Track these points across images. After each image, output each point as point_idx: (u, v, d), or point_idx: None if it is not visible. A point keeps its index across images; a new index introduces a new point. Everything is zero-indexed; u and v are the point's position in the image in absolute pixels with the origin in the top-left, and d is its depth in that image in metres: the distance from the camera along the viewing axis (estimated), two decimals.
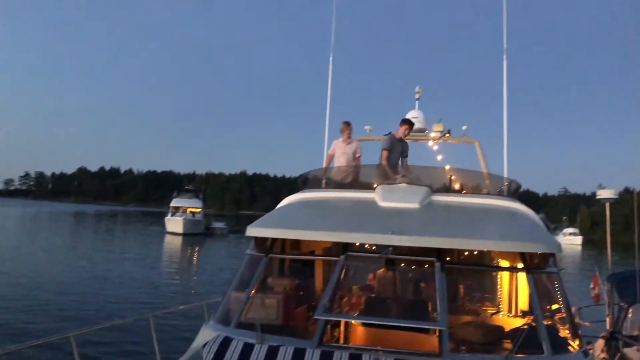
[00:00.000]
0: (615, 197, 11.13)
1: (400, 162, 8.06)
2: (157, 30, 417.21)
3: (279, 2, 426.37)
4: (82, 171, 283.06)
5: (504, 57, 9.81)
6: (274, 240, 5.51)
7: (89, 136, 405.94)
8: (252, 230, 5.20)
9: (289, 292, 5.86)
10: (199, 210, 70.62)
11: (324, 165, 8.67)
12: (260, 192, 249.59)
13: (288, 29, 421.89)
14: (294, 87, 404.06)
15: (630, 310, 9.21)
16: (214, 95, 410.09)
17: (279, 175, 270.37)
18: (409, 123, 8.18)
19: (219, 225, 74.56)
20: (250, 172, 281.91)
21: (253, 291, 5.14)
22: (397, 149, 8.05)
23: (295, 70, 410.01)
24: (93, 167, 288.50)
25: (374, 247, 5.15)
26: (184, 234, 61.12)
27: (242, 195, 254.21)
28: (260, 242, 5.50)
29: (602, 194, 11.33)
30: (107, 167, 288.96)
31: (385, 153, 7.94)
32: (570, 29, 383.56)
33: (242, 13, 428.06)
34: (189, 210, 68.52)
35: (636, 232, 9.45)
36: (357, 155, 8.59)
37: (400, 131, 8.10)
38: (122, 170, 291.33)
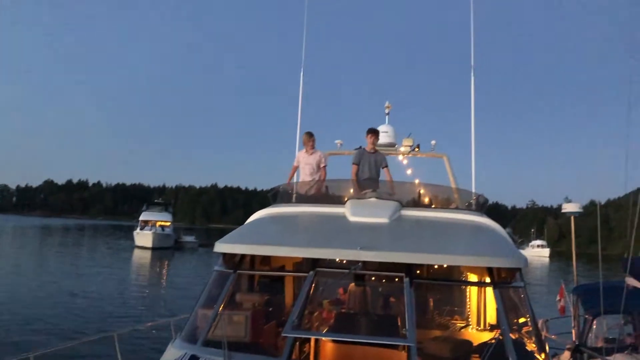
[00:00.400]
0: (580, 210, 11.37)
1: (371, 174, 8.06)
2: (128, 42, 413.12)
3: (252, 18, 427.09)
4: (49, 184, 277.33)
5: (472, 73, 9.99)
6: (243, 256, 5.44)
7: (56, 148, 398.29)
8: (220, 246, 5.13)
9: (258, 308, 5.79)
10: (168, 223, 69.86)
11: (289, 176, 8.70)
12: (232, 205, 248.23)
13: (260, 41, 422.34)
14: (266, 99, 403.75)
15: (594, 322, 9.38)
16: (185, 108, 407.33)
17: (251, 188, 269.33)
18: (371, 131, 8.18)
19: (189, 239, 73.85)
20: (221, 184, 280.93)
21: (221, 308, 5.05)
22: (367, 161, 8.07)
23: (266, 83, 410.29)
24: (60, 180, 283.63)
25: (344, 262, 5.15)
26: (153, 248, 60.27)
27: (213, 209, 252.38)
28: (228, 258, 5.42)
29: (567, 207, 11.56)
30: (75, 180, 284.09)
31: (354, 168, 7.97)
32: (536, 44, 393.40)
33: (214, 29, 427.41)
34: (158, 223, 67.70)
35: (599, 244, 9.66)
36: (322, 166, 8.57)
37: (368, 143, 8.15)
38: (90, 182, 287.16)
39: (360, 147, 10.48)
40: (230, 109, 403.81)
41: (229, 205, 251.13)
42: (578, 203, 11.36)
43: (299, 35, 10.86)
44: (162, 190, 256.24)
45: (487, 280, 5.04)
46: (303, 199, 7.54)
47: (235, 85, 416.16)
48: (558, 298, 11.75)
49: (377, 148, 8.35)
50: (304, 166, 8.55)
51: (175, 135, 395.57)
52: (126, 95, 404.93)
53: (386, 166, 8.08)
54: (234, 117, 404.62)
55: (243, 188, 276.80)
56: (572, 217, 11.76)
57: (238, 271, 5.33)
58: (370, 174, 8.04)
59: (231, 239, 5.31)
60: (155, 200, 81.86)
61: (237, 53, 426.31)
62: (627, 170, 8.14)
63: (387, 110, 11.28)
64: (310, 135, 8.61)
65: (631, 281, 8.03)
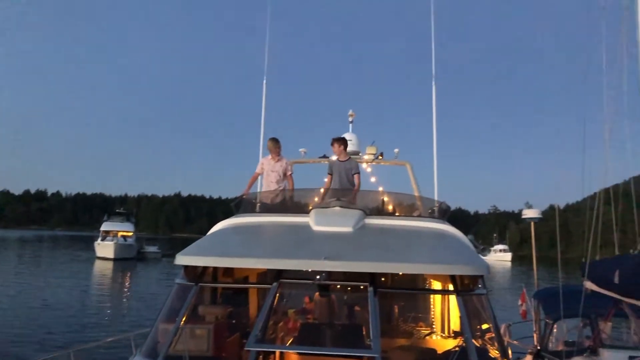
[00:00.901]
0: (540, 216, 11.64)
1: (342, 184, 8.06)
2: (90, 49, 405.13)
3: (214, 25, 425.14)
4: (5, 195, 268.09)
5: (433, 82, 10.13)
6: (205, 268, 5.34)
7: (12, 158, 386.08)
8: (182, 259, 5.02)
9: (221, 321, 5.69)
10: (130, 234, 68.69)
11: (249, 183, 8.47)
12: (196, 213, 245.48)
13: (223, 49, 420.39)
14: (229, 107, 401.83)
15: (555, 325, 9.57)
16: (148, 115, 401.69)
17: (215, 196, 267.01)
18: (335, 141, 8.17)
19: (151, 249, 72.58)
20: (184, 193, 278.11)
21: (182, 322, 4.94)
22: (338, 170, 8.09)
23: (230, 91, 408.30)
24: (17, 190, 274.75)
25: (308, 272, 5.11)
26: (115, 259, 59.15)
27: (177, 218, 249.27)
28: (190, 270, 5.29)
29: (528, 213, 11.83)
30: (33, 190, 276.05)
31: (328, 178, 8.03)
32: (496, 51, 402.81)
33: (177, 35, 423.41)
34: (120, 234, 66.49)
35: (558, 249, 9.87)
36: (288, 174, 8.46)
37: (335, 152, 8.14)
38: (49, 192, 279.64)
39: (324, 156, 10.51)
40: (194, 117, 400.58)
41: (192, 214, 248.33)
42: (537, 209, 11.63)
43: (263, 44, 10.82)
44: (124, 200, 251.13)
45: (450, 287, 5.07)
46: (267, 209, 7.47)
47: (198, 94, 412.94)
48: (520, 303, 11.96)
49: (348, 156, 8.34)
50: (270, 173, 8.36)
51: (137, 144, 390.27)
52: (86, 102, 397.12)
53: (356, 173, 8.04)
54: (196, 125, 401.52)
55: (207, 197, 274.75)
56: (532, 223, 12.02)
57: (200, 284, 5.22)
58: (341, 183, 8.03)
59: (192, 251, 5.20)
60: (117, 210, 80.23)
61: (199, 62, 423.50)
62: (583, 176, 8.37)
63: (350, 119, 11.34)
64: (276, 141, 8.41)
65: (589, 285, 8.21)
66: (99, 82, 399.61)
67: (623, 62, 7.57)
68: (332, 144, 8.12)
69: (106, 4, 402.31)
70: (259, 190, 8.39)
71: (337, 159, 8.20)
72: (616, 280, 7.27)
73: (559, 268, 8.17)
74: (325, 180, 8.21)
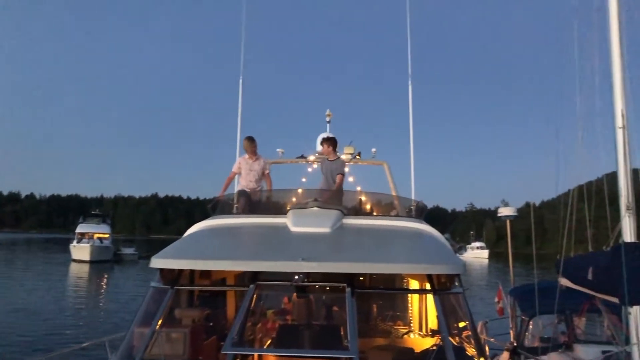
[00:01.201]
0: (515, 214, 11.80)
1: (329, 184, 8.07)
2: (62, 46, 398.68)
3: (189, 25, 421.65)
4: None
5: (409, 82, 10.18)
6: (181, 271, 5.29)
7: None
8: (157, 262, 4.96)
9: (198, 324, 5.64)
10: (107, 235, 67.84)
11: (225, 183, 8.39)
12: (173, 214, 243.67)
13: (200, 50, 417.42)
14: (207, 107, 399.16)
15: (530, 322, 9.71)
16: (123, 115, 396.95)
17: (193, 197, 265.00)
18: (325, 140, 8.21)
19: (128, 250, 71.75)
20: (162, 194, 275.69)
21: (158, 325, 4.88)
22: (325, 171, 8.13)
23: (206, 91, 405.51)
24: None
25: (287, 272, 5.09)
26: (91, 262, 58.34)
27: (154, 219, 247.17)
28: (165, 273, 5.23)
29: (503, 211, 11.99)
30: (6, 192, 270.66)
31: (323, 178, 8.05)
32: (473, 51, 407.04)
33: (153, 35, 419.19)
34: (96, 236, 65.58)
35: (534, 247, 9.99)
36: (266, 172, 8.40)
37: (323, 152, 8.19)
38: (23, 194, 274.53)
39: (302, 156, 10.49)
40: (170, 117, 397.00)
41: (170, 215, 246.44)
42: (513, 207, 11.78)
43: (239, 44, 10.75)
44: (99, 201, 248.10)
45: (427, 287, 5.10)
46: (244, 210, 7.43)
47: (175, 93, 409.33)
48: (496, 300, 12.12)
49: (337, 155, 8.38)
50: (248, 172, 8.27)
51: (113, 144, 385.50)
52: (60, 102, 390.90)
53: (340, 173, 8.04)
54: (173, 125, 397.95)
55: (185, 197, 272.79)
56: (508, 221, 12.18)
57: (176, 287, 5.17)
58: (328, 183, 8.04)
59: (168, 254, 5.14)
60: (93, 212, 79.11)
61: (176, 61, 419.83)
62: (557, 174, 8.49)
63: (328, 119, 11.33)
64: (251, 140, 8.33)
65: (564, 281, 8.32)
66: (73, 82, 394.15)
67: (595, 62, 7.69)
68: (321, 144, 8.17)
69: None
70: (235, 190, 8.30)
71: (327, 158, 8.22)
72: (589, 276, 7.38)
73: (535, 266, 8.28)
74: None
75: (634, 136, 7.14)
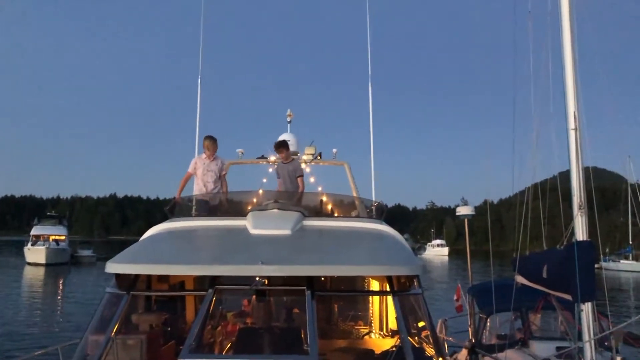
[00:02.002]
0: (472, 213, 12.00)
1: (286, 186, 8.09)
2: (23, 45, 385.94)
3: (149, 22, 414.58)
4: None
5: (369, 83, 10.25)
6: (137, 275, 5.16)
7: None
8: (112, 267, 4.81)
9: (156, 330, 5.54)
10: (63, 237, 66.18)
11: (180, 184, 8.20)
12: (132, 215, 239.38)
13: (161, 48, 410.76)
14: (165, 106, 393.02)
15: (488, 319, 9.90)
16: (80, 113, 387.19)
17: (152, 197, 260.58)
18: (276, 146, 8.19)
19: (86, 253, 69.98)
20: (120, 194, 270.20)
21: (113, 332, 4.75)
22: (282, 173, 8.11)
23: (166, 88, 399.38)
24: None
25: (246, 275, 5.04)
26: (47, 265, 56.79)
27: (113, 220, 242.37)
28: (121, 278, 5.10)
29: (461, 210, 12.19)
30: None
31: (279, 182, 8.12)
32: (431, 50, 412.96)
33: (117, 33, 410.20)
34: (52, 238, 63.76)
35: (490, 245, 10.19)
36: (222, 173, 8.24)
37: (279, 157, 8.25)
38: None
39: (262, 156, 10.43)
40: (128, 115, 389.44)
41: (129, 216, 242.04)
42: (471, 206, 11.98)
43: (198, 42, 10.59)
44: (56, 202, 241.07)
45: (387, 288, 5.13)
46: (202, 212, 7.32)
47: (133, 92, 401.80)
48: (455, 298, 12.30)
49: (292, 157, 8.37)
50: (206, 173, 8.05)
51: (70, 143, 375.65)
52: (13, 100, 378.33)
53: (300, 175, 8.03)
54: (132, 124, 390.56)
55: (144, 197, 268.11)
56: (466, 220, 12.38)
57: (132, 292, 5.04)
58: (286, 185, 8.00)
59: (123, 259, 5.00)
60: (48, 213, 77.01)
61: (133, 59, 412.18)
62: (513, 173, 8.68)
63: (289, 119, 11.29)
64: (213, 139, 8.11)
65: (520, 279, 8.51)
66: (27, 80, 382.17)
67: (548, 64, 7.89)
68: (275, 150, 8.20)
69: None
70: (193, 192, 8.16)
71: (282, 161, 8.20)
72: (544, 274, 7.56)
73: (491, 265, 8.47)
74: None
75: (586, 136, 7.37)
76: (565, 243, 7.47)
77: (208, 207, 7.58)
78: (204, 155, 8.16)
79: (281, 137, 10.66)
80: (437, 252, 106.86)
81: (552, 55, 7.88)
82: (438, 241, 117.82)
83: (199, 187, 8.02)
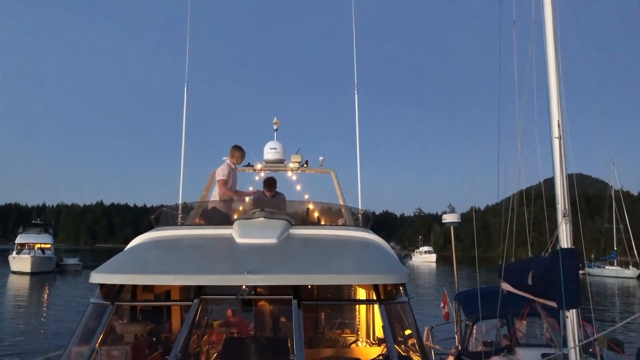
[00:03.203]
0: (458, 220, 12.08)
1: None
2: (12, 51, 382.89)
3: (136, 28, 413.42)
4: None
5: (355, 91, 10.28)
6: (122, 285, 5.12)
7: None
8: (96, 277, 4.78)
9: (141, 340, 5.51)
10: (49, 245, 65.51)
11: (220, 190, 8.12)
12: (119, 223, 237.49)
13: (148, 54, 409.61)
14: (152, 113, 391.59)
15: (474, 327, 9.93)
16: (65, 120, 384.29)
17: (140, 204, 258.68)
18: (265, 183, 8.39)
19: (72, 261, 69.27)
20: (107, 202, 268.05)
21: (97, 343, 4.70)
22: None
23: (153, 96, 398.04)
24: None
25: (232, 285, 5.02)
26: (32, 273, 56.17)
27: (99, 227, 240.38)
28: (106, 288, 5.06)
29: (447, 218, 12.26)
30: None
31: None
32: (417, 56, 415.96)
33: (99, 37, 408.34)
34: (37, 246, 63.14)
35: (476, 251, 10.25)
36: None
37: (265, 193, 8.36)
38: None
39: (249, 164, 10.39)
40: (114, 122, 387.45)
41: (116, 224, 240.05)
42: (456, 214, 12.06)
43: (184, 50, 10.56)
44: (41, 210, 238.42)
45: (373, 296, 5.14)
46: (189, 221, 7.30)
47: (120, 99, 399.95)
48: (442, 305, 12.34)
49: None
50: (234, 182, 8.26)
51: (55, 151, 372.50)
52: None
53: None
54: (118, 131, 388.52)
55: (131, 205, 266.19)
56: (452, 227, 12.45)
57: (117, 302, 5.00)
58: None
59: (108, 269, 4.97)
60: (34, 221, 76.20)
61: (118, 65, 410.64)
62: (498, 181, 8.75)
63: (275, 127, 11.26)
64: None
65: (505, 286, 8.55)
66: (8, 85, 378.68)
67: (532, 72, 7.97)
68: (264, 185, 8.29)
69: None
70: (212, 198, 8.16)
71: (265, 194, 8.31)
72: (529, 281, 7.61)
73: (477, 272, 8.49)
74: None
75: (569, 144, 7.45)
76: (550, 250, 7.54)
77: (194, 216, 7.56)
78: (232, 164, 8.24)
79: (267, 145, 10.65)
80: (424, 258, 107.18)
81: (536, 64, 7.97)
82: (426, 248, 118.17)
83: (223, 194, 8.03)
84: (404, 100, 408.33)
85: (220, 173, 8.08)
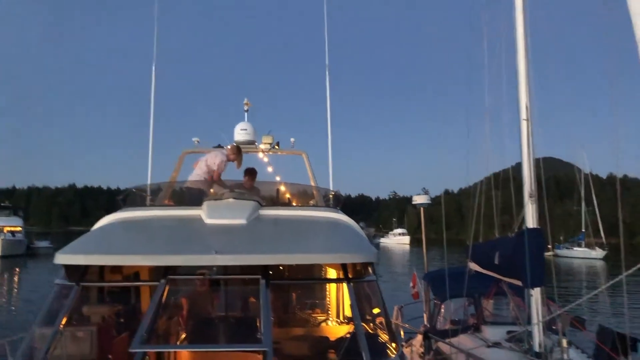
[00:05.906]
0: (428, 202, 12.24)
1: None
2: None
3: (108, 10, 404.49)
4: None
5: (326, 72, 10.22)
6: (88, 266, 5.05)
7: None
8: (61, 257, 4.69)
9: (108, 321, 5.45)
10: (19, 228, 64.40)
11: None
12: (92, 206, 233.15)
13: (119, 32, 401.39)
14: (122, 94, 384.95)
15: (442, 305, 10.12)
16: (35, 100, 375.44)
17: (113, 187, 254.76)
18: (246, 172, 7.98)
19: (42, 244, 68.47)
20: (80, 184, 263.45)
21: (62, 324, 4.64)
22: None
23: (124, 76, 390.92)
24: None
25: (200, 265, 5.01)
26: (2, 257, 55.12)
27: (72, 210, 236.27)
28: (71, 269, 4.98)
29: (417, 199, 12.41)
30: None
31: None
32: (391, 40, 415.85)
33: (70, 20, 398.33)
34: (6, 229, 61.89)
35: (444, 232, 10.40)
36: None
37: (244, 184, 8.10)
38: None
39: (219, 145, 10.29)
40: (85, 104, 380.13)
41: (89, 207, 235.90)
42: (426, 195, 12.23)
43: (152, 29, 10.27)
44: (11, 193, 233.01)
45: (342, 275, 5.18)
46: (158, 201, 7.23)
47: (88, 81, 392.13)
48: (411, 285, 12.54)
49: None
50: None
51: (24, 132, 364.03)
52: None
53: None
54: (89, 113, 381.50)
55: (105, 187, 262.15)
56: (422, 208, 12.61)
57: (82, 283, 4.94)
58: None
59: (73, 249, 4.89)
60: (2, 204, 74.61)
61: (89, 45, 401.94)
62: (468, 165, 8.87)
63: (246, 108, 11.17)
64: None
65: (473, 266, 8.72)
66: None
67: (501, 60, 8.05)
68: (245, 174, 7.90)
69: None
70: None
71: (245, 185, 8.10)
72: (496, 261, 7.77)
73: (445, 252, 8.65)
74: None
75: (538, 128, 7.57)
76: (516, 230, 7.69)
77: (163, 197, 7.49)
78: (226, 158, 7.96)
79: (238, 126, 10.57)
80: (398, 240, 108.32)
81: (506, 47, 8.05)
82: (400, 230, 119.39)
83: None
84: (378, 84, 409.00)
85: (216, 163, 7.81)
